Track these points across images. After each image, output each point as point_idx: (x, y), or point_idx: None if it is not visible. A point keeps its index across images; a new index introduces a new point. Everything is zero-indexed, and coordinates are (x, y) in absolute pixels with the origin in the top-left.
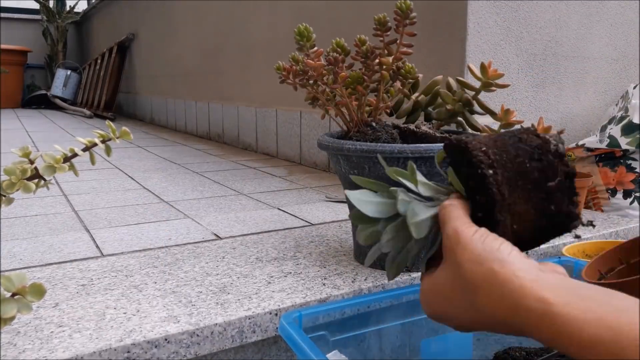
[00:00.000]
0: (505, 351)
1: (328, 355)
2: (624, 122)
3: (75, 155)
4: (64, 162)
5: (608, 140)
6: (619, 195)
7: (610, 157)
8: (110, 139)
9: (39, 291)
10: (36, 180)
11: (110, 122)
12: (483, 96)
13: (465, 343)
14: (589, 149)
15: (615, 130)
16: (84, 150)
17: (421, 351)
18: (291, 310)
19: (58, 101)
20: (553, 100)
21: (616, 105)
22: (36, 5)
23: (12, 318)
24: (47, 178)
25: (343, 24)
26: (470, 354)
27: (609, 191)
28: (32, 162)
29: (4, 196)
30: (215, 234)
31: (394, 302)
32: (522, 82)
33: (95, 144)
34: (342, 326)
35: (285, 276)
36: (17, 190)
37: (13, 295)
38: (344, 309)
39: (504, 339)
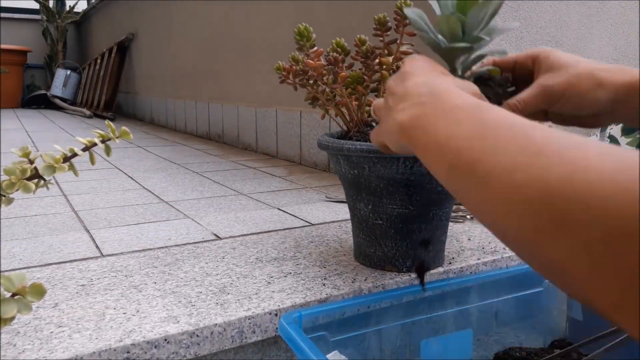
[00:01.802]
0: (506, 351)
1: (328, 356)
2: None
3: (75, 155)
4: (63, 162)
5: (608, 141)
6: None
7: None
8: (110, 139)
9: (39, 291)
10: (36, 180)
11: (110, 122)
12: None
13: (465, 343)
14: None
15: (615, 130)
16: (84, 150)
17: (421, 351)
18: (291, 310)
19: (58, 101)
20: None
21: None
22: (36, 5)
23: (12, 318)
24: (46, 178)
25: (343, 24)
26: (470, 354)
27: None
28: (31, 162)
29: (4, 196)
30: (215, 234)
31: (394, 303)
32: None
33: (95, 144)
34: (342, 326)
35: (285, 276)
36: (17, 190)
37: (13, 295)
38: (344, 309)
39: (504, 339)
